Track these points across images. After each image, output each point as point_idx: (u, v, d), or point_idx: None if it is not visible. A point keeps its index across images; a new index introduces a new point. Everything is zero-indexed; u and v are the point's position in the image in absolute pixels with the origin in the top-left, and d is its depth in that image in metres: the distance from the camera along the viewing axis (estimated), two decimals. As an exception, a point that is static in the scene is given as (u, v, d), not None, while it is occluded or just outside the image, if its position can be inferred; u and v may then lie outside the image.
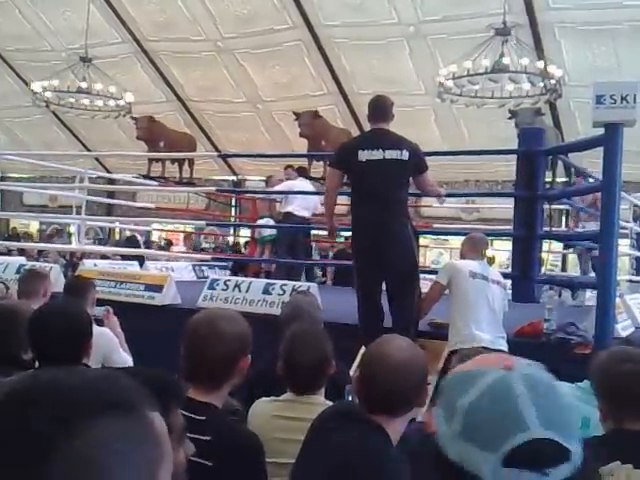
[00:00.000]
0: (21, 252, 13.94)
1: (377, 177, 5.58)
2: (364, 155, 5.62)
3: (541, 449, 1.09)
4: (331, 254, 15.15)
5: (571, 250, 12.01)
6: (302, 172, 11.38)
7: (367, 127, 16.36)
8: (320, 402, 3.14)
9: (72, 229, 15.17)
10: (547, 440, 1.08)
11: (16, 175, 20.26)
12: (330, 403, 3.08)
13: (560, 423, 1.11)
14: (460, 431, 1.13)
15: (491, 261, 12.56)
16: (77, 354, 3.01)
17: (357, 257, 5.85)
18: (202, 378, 2.55)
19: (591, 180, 8.43)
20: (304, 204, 10.44)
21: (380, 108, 5.91)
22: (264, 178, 16.39)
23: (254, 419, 3.00)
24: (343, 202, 15.03)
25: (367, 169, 5.61)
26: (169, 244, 18.46)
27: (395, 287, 5.65)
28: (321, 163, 13.91)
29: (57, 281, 7.06)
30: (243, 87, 18.79)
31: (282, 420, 3.07)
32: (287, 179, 11.25)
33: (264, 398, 3.24)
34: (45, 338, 3.00)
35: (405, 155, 5.63)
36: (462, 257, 5.76)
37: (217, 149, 20.29)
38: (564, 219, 14.68)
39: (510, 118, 12.38)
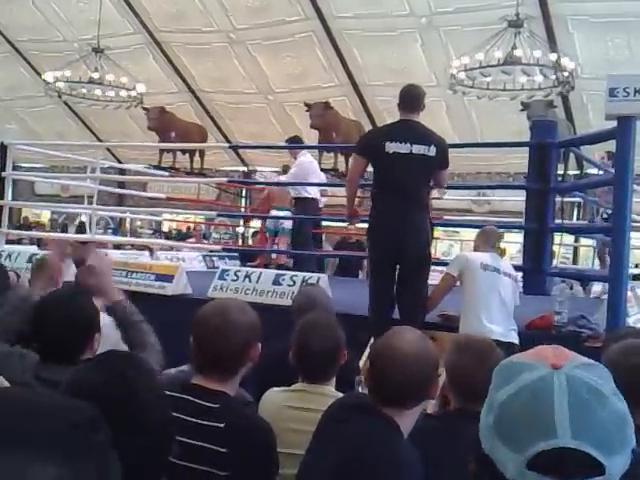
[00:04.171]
0: (33, 241, 13.96)
1: (403, 171, 5.48)
2: (391, 147, 5.50)
3: (569, 459, 1.02)
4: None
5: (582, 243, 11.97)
6: (298, 140, 10.99)
7: (378, 119, 16.35)
8: (331, 393, 3.15)
9: (83, 218, 15.17)
10: (577, 451, 1.02)
11: (28, 165, 20.30)
12: (341, 394, 3.09)
13: (597, 435, 1.03)
14: (492, 425, 1.10)
15: (502, 253, 12.53)
16: (78, 348, 2.86)
17: (374, 247, 5.73)
18: (215, 367, 2.56)
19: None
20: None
21: (411, 98, 5.77)
22: (275, 169, 16.35)
23: (265, 409, 3.01)
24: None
25: (393, 161, 5.50)
26: (180, 234, 18.48)
27: (407, 276, 5.57)
28: (332, 154, 13.90)
29: (69, 270, 7.07)
30: (254, 78, 18.80)
31: (293, 410, 3.08)
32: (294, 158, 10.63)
33: (275, 388, 3.24)
34: (45, 329, 2.88)
35: (432, 151, 5.53)
36: (475, 250, 5.75)
37: (228, 140, 20.32)
38: (576, 212, 14.65)
39: (522, 110, 12.36)
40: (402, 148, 5.49)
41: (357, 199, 9.70)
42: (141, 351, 3.29)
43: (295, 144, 10.69)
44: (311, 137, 14.06)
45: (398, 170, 5.50)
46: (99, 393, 1.54)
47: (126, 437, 1.48)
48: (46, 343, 2.88)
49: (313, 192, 10.09)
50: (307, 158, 10.19)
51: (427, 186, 5.80)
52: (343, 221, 7.29)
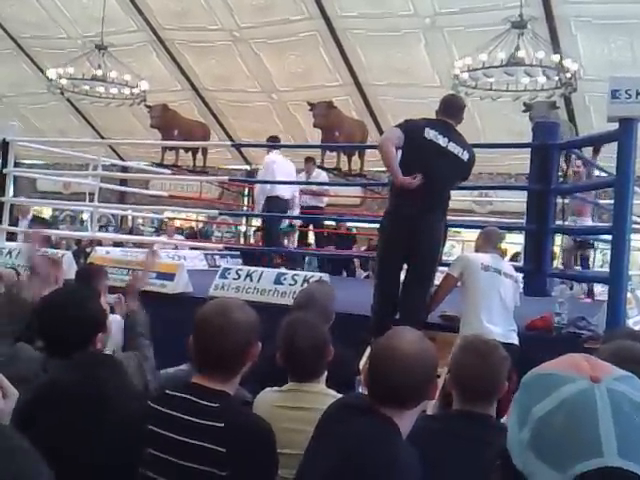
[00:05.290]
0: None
1: (433, 163, 5.43)
2: (430, 134, 5.46)
3: (614, 478, 0.96)
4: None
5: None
6: (274, 140, 11.01)
7: (381, 118, 16.22)
8: (322, 391, 3.17)
9: (85, 216, 15.13)
10: (623, 470, 0.96)
11: (30, 162, 20.32)
12: (332, 392, 3.11)
13: None
14: (528, 440, 1.03)
15: (516, 256, 12.52)
16: (82, 346, 2.77)
17: (386, 243, 5.69)
18: (216, 367, 2.55)
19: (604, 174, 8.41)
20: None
21: (452, 107, 5.77)
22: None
23: (258, 410, 3.01)
24: (356, 194, 14.93)
25: (428, 149, 5.45)
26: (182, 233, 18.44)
27: (414, 277, 5.56)
28: (334, 154, 13.91)
29: (70, 268, 7.09)
30: (258, 77, 18.77)
31: (285, 410, 3.08)
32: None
33: (267, 389, 3.25)
34: (50, 325, 2.88)
35: (465, 156, 5.55)
36: (477, 251, 5.76)
37: (231, 138, 20.29)
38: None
39: (525, 111, 12.39)
40: (440, 140, 5.47)
41: (359, 199, 9.62)
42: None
43: (274, 144, 10.70)
44: (314, 136, 14.08)
45: (430, 160, 5.44)
46: (72, 392, 1.55)
47: (97, 435, 1.50)
48: (51, 339, 2.88)
49: (281, 191, 9.93)
50: (271, 157, 10.10)
51: (450, 187, 5.79)
52: (335, 220, 7.27)
